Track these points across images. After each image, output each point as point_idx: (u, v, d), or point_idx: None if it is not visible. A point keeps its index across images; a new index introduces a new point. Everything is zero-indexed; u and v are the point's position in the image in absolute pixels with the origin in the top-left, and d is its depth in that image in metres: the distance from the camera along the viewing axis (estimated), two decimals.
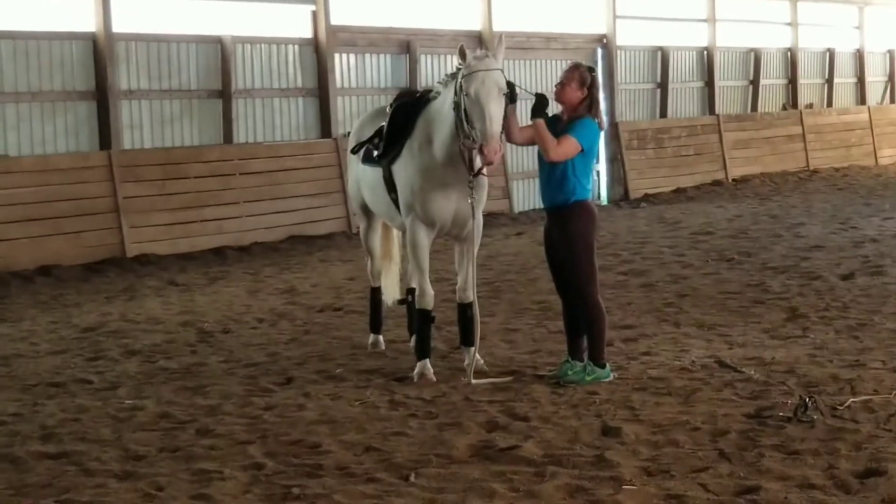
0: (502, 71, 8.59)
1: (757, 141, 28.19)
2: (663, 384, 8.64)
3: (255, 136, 18.72)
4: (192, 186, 17.37)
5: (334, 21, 19.47)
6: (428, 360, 9.17)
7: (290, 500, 6.40)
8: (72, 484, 6.74)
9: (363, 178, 9.93)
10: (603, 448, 7.09)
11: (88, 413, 8.35)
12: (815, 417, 7.49)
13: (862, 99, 32.96)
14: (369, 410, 8.18)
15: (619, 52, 25.11)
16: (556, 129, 8.70)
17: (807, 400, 7.67)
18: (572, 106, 8.78)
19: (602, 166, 24.29)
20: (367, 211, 10.25)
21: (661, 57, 26.40)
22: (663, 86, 26.49)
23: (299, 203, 18.64)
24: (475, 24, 21.96)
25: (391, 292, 10.61)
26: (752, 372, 8.88)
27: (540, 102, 8.67)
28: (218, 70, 18.08)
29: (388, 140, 9.29)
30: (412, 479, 6.63)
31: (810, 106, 30.77)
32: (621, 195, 24.45)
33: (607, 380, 8.77)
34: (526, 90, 8.82)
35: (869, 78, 33.20)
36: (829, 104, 31.73)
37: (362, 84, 20.17)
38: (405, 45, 20.63)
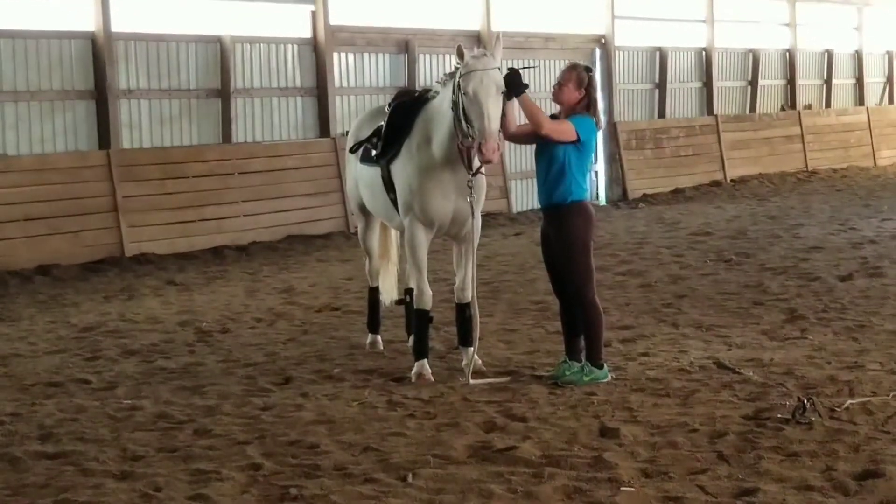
0: (500, 70, 8.60)
1: (755, 141, 28.20)
2: (661, 385, 8.65)
3: (254, 135, 18.72)
4: (191, 186, 17.37)
5: (333, 21, 19.47)
6: (426, 360, 9.16)
7: (288, 500, 6.40)
8: (70, 484, 6.74)
9: (361, 177, 9.93)
10: (601, 449, 7.09)
11: (86, 413, 8.34)
12: (814, 419, 7.50)
13: (860, 100, 32.98)
14: (367, 411, 8.18)
15: (617, 52, 25.12)
16: None
17: (805, 401, 7.67)
18: (570, 106, 8.79)
19: (600, 166, 24.31)
20: (365, 211, 10.24)
21: (660, 57, 26.42)
22: (662, 86, 26.51)
23: (298, 203, 18.64)
24: (474, 24, 21.97)
25: (389, 292, 10.61)
26: (751, 373, 8.88)
27: (515, 79, 8.56)
28: (217, 69, 18.08)
29: (387, 139, 9.29)
30: (410, 479, 6.62)
31: (809, 107, 30.78)
32: (619, 195, 24.45)
33: (605, 380, 8.77)
34: (530, 62, 8.77)
35: (867, 79, 33.21)
36: (828, 105, 31.75)
37: (361, 84, 20.18)
38: (404, 45, 20.64)
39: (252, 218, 17.97)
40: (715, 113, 27.58)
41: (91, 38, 16.59)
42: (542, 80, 21.50)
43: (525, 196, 22.41)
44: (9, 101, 15.85)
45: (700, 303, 12.14)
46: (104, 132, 16.69)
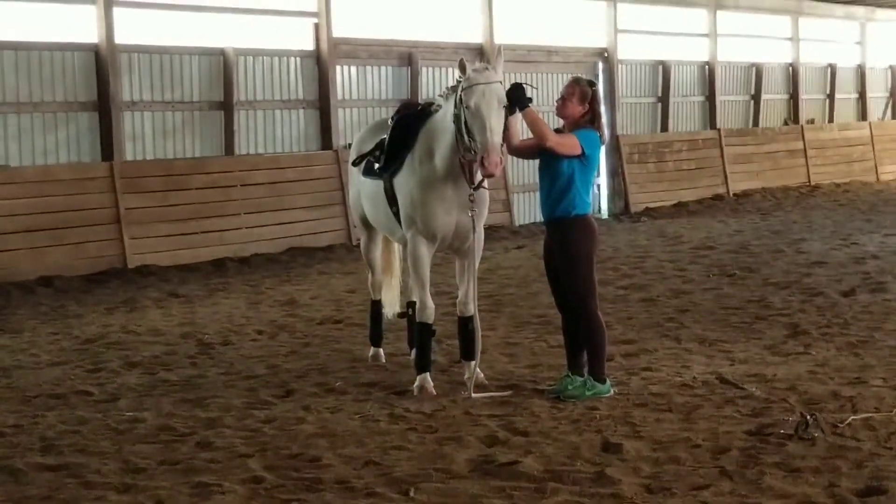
0: (502, 83, 8.60)
1: (758, 156, 28.21)
2: (664, 400, 8.63)
3: (257, 147, 18.74)
4: (194, 198, 17.37)
5: (336, 33, 19.50)
6: (428, 373, 9.16)
7: None
8: (71, 496, 6.72)
9: (364, 190, 9.93)
10: (603, 464, 7.08)
11: (88, 425, 8.33)
12: (816, 435, 7.48)
13: (863, 115, 33.01)
14: (369, 424, 8.17)
15: (619, 65, 25.15)
16: None
17: (808, 417, 7.67)
18: (574, 120, 8.79)
19: (603, 180, 24.31)
20: (367, 224, 10.24)
21: (663, 71, 26.44)
22: (664, 100, 26.53)
23: (300, 215, 18.64)
24: (476, 37, 21.99)
25: (392, 305, 10.60)
26: (754, 389, 8.87)
27: (518, 93, 8.59)
28: (220, 82, 18.10)
29: (389, 153, 9.29)
30: (412, 493, 6.61)
31: (811, 121, 30.81)
32: (622, 209, 24.45)
33: (607, 395, 8.76)
34: (533, 86, 8.79)
35: (870, 94, 33.26)
36: (831, 120, 31.77)
37: (363, 96, 20.20)
38: (406, 58, 20.65)
39: (254, 230, 17.97)
40: (718, 127, 27.59)
41: (95, 50, 16.62)
42: (544, 93, 21.53)
43: (527, 209, 22.41)
44: (12, 113, 15.86)
45: (703, 317, 12.13)
46: (107, 144, 16.71)
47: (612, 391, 8.83)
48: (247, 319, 12.77)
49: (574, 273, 8.75)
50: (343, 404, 8.76)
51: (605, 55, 24.85)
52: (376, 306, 10.47)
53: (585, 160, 8.71)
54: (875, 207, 24.30)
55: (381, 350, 10.42)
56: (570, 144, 8.65)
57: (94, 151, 16.73)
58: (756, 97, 29.34)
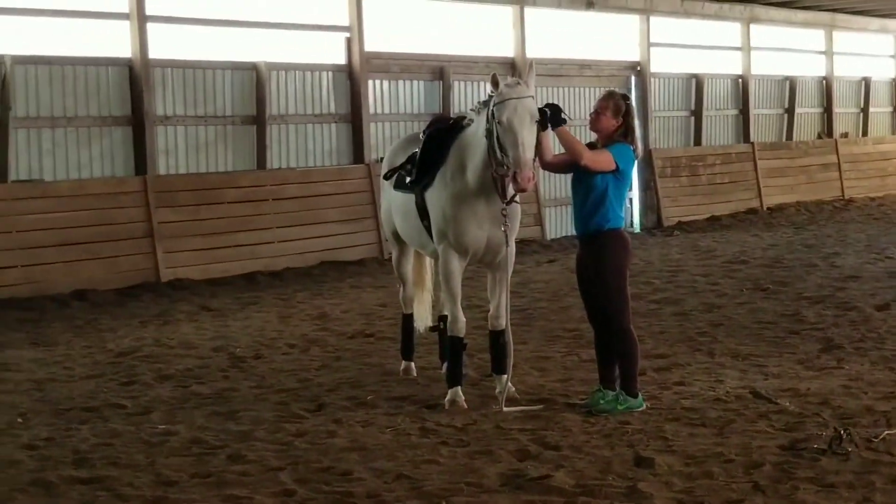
0: (534, 98, 8.60)
1: (792, 169, 28.10)
2: (697, 414, 8.59)
3: (289, 161, 18.80)
4: (226, 212, 17.44)
5: (368, 48, 19.56)
6: (459, 387, 9.14)
7: None
8: None
9: (395, 204, 9.94)
10: (636, 479, 7.04)
11: (121, 438, 8.35)
12: (850, 450, 7.43)
13: None
14: (400, 438, 8.16)
15: (653, 79, 25.11)
16: None
17: (842, 432, 7.61)
18: (607, 134, 8.76)
19: (635, 194, 24.26)
20: (399, 238, 10.25)
21: (696, 84, 26.38)
22: (697, 113, 26.45)
23: (332, 228, 18.68)
24: (508, 51, 22.00)
25: (423, 319, 10.60)
26: (787, 403, 8.81)
27: (555, 112, 8.62)
28: (252, 96, 18.18)
29: (421, 167, 9.29)
30: None
31: (845, 135, 30.65)
32: (654, 223, 24.39)
33: (640, 409, 8.72)
34: (567, 117, 8.80)
35: None
36: (865, 133, 31.60)
37: (395, 110, 20.25)
38: (439, 72, 20.69)
39: (286, 244, 18.02)
40: (751, 140, 27.50)
41: (128, 65, 16.73)
42: (577, 107, 21.52)
43: (559, 223, 22.39)
44: (46, 128, 15.98)
45: (736, 332, 12.07)
46: (140, 158, 16.82)
47: (644, 405, 8.79)
48: (278, 333, 12.80)
49: (607, 287, 8.72)
50: (374, 418, 8.76)
51: (638, 69, 24.82)
52: (408, 320, 10.47)
53: (619, 175, 8.69)
54: None
55: (413, 364, 10.41)
56: (604, 161, 8.63)
57: (128, 166, 16.84)
58: (790, 111, 29.23)
